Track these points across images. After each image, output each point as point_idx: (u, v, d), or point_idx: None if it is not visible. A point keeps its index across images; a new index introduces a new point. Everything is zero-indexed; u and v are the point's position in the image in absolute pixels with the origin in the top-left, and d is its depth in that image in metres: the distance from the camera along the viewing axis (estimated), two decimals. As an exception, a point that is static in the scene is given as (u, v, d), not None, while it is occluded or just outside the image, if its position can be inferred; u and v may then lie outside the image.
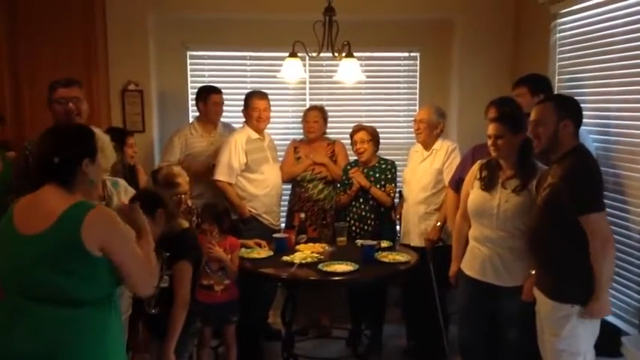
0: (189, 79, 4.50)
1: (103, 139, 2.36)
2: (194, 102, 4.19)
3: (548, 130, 2.46)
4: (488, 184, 2.86)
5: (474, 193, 2.92)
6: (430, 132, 3.75)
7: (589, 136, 3.07)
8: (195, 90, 4.19)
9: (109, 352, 1.94)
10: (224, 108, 4.18)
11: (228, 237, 3.31)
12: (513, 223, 2.76)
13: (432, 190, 3.73)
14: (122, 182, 2.57)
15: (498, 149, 2.82)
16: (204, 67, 4.55)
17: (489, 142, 2.85)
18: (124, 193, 2.53)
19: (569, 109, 2.49)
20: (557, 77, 3.63)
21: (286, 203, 4.24)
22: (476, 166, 2.99)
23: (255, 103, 3.91)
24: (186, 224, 2.78)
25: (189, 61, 4.51)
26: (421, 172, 3.78)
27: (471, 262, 2.95)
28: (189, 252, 2.62)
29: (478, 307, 2.95)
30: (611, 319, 2.86)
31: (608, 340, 2.55)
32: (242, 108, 4.00)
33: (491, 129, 2.84)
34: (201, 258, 2.87)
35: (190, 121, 4.29)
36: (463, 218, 3.06)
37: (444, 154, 3.72)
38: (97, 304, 1.89)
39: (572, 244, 2.41)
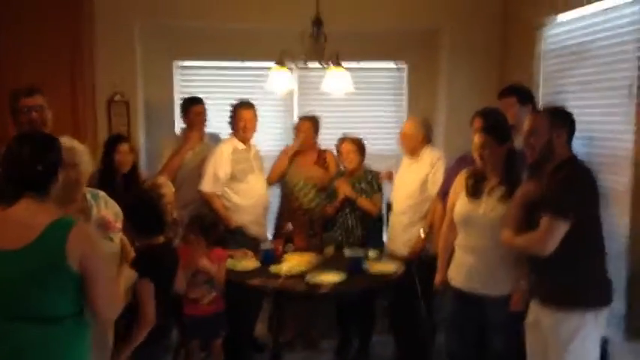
0: (176, 89, 4.49)
1: (80, 149, 2.34)
2: (180, 113, 4.18)
3: (542, 140, 2.47)
4: (474, 192, 2.87)
5: (460, 202, 2.93)
6: (409, 143, 3.78)
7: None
8: (181, 101, 4.19)
9: None
10: (213, 118, 4.18)
11: (215, 249, 3.28)
12: (500, 232, 2.76)
13: (417, 199, 3.74)
14: (102, 194, 2.53)
15: (484, 159, 2.83)
16: (191, 78, 4.54)
17: (475, 153, 2.86)
18: (104, 205, 2.49)
19: (563, 120, 2.51)
20: (541, 88, 3.67)
21: (273, 214, 4.23)
22: (462, 175, 3.00)
23: (240, 114, 3.91)
24: (161, 239, 2.75)
25: (176, 71, 4.50)
26: (407, 180, 3.80)
27: (457, 271, 2.95)
28: (152, 270, 2.56)
29: (465, 317, 2.94)
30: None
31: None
32: (228, 118, 4.00)
33: (476, 139, 2.86)
34: (174, 274, 2.80)
35: (178, 132, 4.28)
36: (449, 228, 3.06)
37: (429, 164, 3.74)
38: (74, 319, 1.89)
39: (578, 249, 2.40)
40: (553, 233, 2.36)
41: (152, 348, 2.57)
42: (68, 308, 1.86)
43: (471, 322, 2.91)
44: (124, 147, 3.49)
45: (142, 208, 2.70)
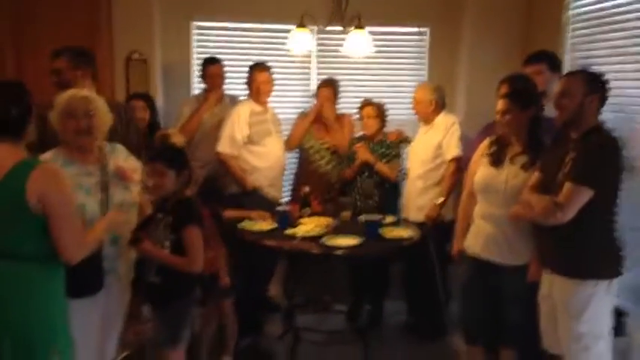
0: (194, 49, 4.44)
1: (95, 99, 2.35)
2: (198, 73, 4.15)
3: (574, 102, 2.42)
4: (496, 159, 2.82)
5: (481, 169, 2.88)
6: (422, 109, 3.76)
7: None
8: (200, 61, 4.15)
9: (51, 310, 2.00)
10: (231, 80, 4.14)
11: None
12: (520, 200, 2.72)
13: (431, 164, 3.73)
14: (121, 148, 2.55)
15: (506, 125, 2.77)
16: (209, 38, 4.48)
17: (497, 117, 2.81)
18: (123, 158, 2.51)
19: (597, 85, 2.45)
20: (569, 54, 3.58)
21: (291, 177, 4.22)
22: (484, 143, 2.95)
23: (255, 76, 3.87)
24: (189, 193, 2.74)
25: (194, 31, 4.44)
26: (422, 146, 3.79)
27: (475, 240, 2.91)
28: (197, 217, 2.58)
29: (480, 285, 2.91)
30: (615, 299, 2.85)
31: (613, 320, 2.52)
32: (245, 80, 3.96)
33: (499, 105, 2.80)
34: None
35: (197, 92, 4.25)
36: (469, 197, 3.02)
37: (444, 129, 3.71)
38: (41, 261, 1.97)
39: (594, 219, 2.38)
40: (574, 200, 2.33)
41: (184, 302, 2.59)
42: (34, 248, 1.95)
43: (487, 291, 2.88)
44: (137, 103, 3.49)
45: (184, 154, 2.69)
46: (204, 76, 4.06)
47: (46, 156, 2.33)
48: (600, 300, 2.40)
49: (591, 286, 2.40)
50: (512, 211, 2.61)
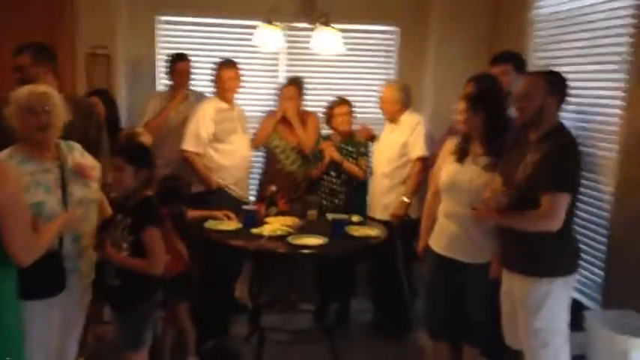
0: (158, 45, 4.36)
1: (53, 95, 2.29)
2: (163, 68, 4.08)
3: (534, 103, 2.45)
4: (460, 157, 2.84)
5: (447, 167, 2.90)
6: (388, 108, 3.78)
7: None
8: (164, 56, 4.08)
9: (3, 313, 1.92)
10: (197, 77, 4.08)
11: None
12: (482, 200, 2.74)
13: (397, 163, 3.75)
14: (77, 146, 2.49)
15: (464, 123, 2.80)
16: (175, 34, 4.41)
17: (458, 116, 2.83)
18: (80, 155, 2.46)
19: (558, 86, 2.48)
20: (533, 54, 3.63)
21: (257, 176, 4.18)
22: (450, 142, 2.96)
23: (221, 73, 3.81)
24: (150, 193, 2.69)
25: (158, 26, 4.36)
26: (388, 144, 3.81)
27: (439, 238, 2.94)
28: (157, 218, 2.52)
29: (444, 283, 2.94)
30: (574, 294, 2.91)
31: (571, 315, 2.56)
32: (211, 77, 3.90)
33: (461, 104, 2.82)
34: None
35: (160, 88, 4.18)
36: (434, 195, 3.04)
37: (409, 128, 3.74)
38: None
39: None
40: (558, 207, 2.36)
41: (145, 304, 2.54)
42: None
43: (450, 289, 2.91)
44: (92, 99, 3.41)
45: (147, 154, 2.62)
46: (171, 73, 3.98)
47: (3, 154, 2.26)
48: (557, 297, 2.44)
49: (547, 283, 2.43)
50: (475, 211, 2.63)
